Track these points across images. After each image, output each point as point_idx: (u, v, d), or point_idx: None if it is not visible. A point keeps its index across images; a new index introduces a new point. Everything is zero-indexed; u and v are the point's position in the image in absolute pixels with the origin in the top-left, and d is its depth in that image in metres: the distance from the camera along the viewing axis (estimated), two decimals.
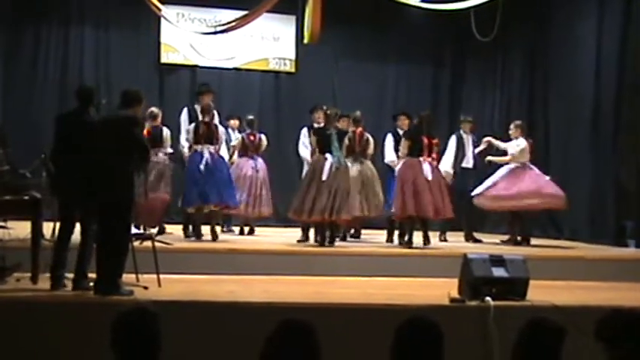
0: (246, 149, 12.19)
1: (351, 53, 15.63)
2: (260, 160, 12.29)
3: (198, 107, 11.34)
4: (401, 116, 12.20)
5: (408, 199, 10.65)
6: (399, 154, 11.19)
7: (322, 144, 10.66)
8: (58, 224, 7.53)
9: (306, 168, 11.49)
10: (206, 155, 10.64)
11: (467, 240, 12.20)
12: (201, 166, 10.57)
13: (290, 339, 3.50)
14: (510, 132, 12.13)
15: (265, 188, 12.16)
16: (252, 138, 12.25)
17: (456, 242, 11.95)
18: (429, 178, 10.72)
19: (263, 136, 12.50)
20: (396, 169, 11.15)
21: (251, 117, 12.50)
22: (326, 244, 10.41)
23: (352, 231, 11.97)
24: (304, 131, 12.06)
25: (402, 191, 10.72)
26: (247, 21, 12.29)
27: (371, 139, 11.77)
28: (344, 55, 15.68)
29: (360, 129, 11.62)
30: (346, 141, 11.03)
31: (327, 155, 10.56)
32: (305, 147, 11.87)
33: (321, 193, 10.37)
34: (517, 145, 11.89)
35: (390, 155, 11.90)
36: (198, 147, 10.74)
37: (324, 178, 10.41)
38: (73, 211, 7.37)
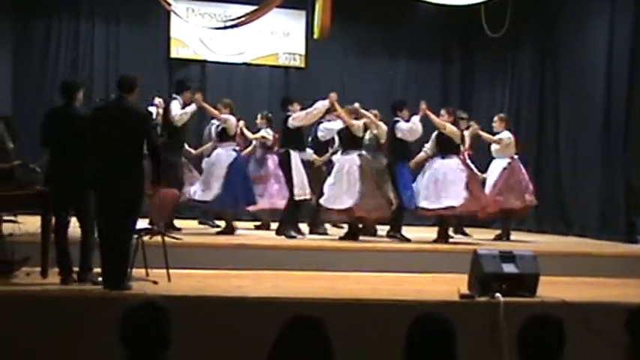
0: (273, 146, 12.17)
1: (360, 49, 15.62)
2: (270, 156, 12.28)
3: (180, 99, 11.13)
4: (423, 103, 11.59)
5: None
6: (429, 151, 11.33)
7: (356, 141, 10.84)
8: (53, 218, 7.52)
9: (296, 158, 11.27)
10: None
11: (456, 233, 12.10)
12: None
13: (300, 334, 3.49)
14: (494, 124, 12.08)
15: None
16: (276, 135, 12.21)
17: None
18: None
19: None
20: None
21: (270, 114, 12.40)
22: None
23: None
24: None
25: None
26: (257, 16, 12.29)
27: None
28: (353, 51, 15.68)
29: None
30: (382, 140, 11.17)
31: (362, 152, 10.77)
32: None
33: (372, 191, 10.59)
34: (508, 137, 11.89)
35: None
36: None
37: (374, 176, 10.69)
38: (66, 204, 7.41)
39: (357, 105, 11.06)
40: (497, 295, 7.06)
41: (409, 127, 11.08)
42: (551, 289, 7.53)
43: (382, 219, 11.08)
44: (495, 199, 11.53)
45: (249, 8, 12.54)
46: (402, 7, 13.79)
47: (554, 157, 14.04)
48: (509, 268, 7.42)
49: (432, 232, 11.29)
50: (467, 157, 11.70)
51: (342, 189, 10.57)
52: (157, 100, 11.09)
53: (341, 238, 10.72)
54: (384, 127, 11.18)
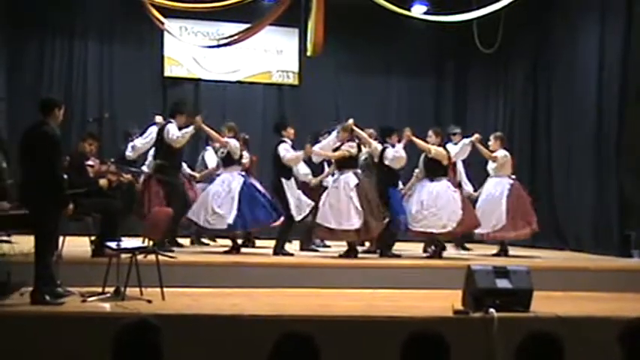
0: (249, 169, 11.94)
1: (354, 66, 15.68)
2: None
3: (175, 123, 10.98)
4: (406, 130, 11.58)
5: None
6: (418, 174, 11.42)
7: (353, 161, 10.82)
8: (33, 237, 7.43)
9: (289, 182, 11.26)
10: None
11: (457, 247, 12.19)
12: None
13: (291, 352, 3.52)
14: (490, 143, 12.01)
15: None
16: (254, 158, 12.21)
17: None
18: None
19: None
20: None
21: (247, 136, 12.24)
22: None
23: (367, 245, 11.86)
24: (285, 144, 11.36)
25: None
26: (250, 34, 12.34)
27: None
28: (347, 68, 15.73)
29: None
30: (376, 159, 11.21)
31: (357, 170, 10.75)
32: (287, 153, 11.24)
33: (372, 209, 10.55)
34: (504, 155, 11.88)
35: None
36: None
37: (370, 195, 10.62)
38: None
39: (351, 121, 11.04)
40: (492, 310, 7.05)
41: (393, 156, 11.10)
42: (546, 303, 7.54)
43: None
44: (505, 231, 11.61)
45: (243, 26, 12.57)
46: (395, 23, 13.83)
47: (548, 171, 14.09)
48: (502, 283, 7.41)
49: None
50: (453, 172, 11.68)
51: (340, 208, 10.56)
52: (158, 119, 11.13)
53: (341, 256, 10.67)
54: (379, 147, 11.20)
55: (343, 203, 10.52)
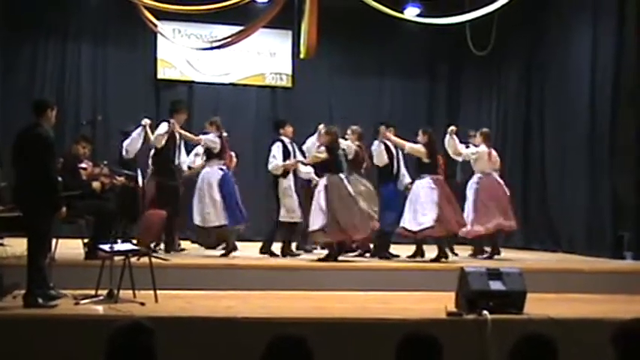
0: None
1: (347, 68, 15.68)
2: None
3: (165, 124, 11.00)
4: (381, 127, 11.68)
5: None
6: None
7: (335, 162, 10.67)
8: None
9: (285, 183, 11.33)
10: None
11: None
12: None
13: (283, 354, 3.53)
14: (475, 139, 12.02)
15: None
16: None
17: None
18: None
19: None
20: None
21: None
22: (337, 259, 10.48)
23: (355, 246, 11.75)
24: (278, 145, 11.48)
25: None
26: (243, 36, 12.31)
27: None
28: (340, 70, 15.73)
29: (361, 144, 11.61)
30: (350, 156, 11.05)
31: (341, 174, 10.59)
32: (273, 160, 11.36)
33: (351, 211, 10.40)
34: (476, 151, 11.85)
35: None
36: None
37: (352, 193, 10.50)
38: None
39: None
40: (485, 312, 7.06)
41: (374, 154, 11.34)
42: (539, 305, 7.55)
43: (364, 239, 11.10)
44: (475, 226, 11.52)
45: (236, 29, 12.54)
46: (389, 25, 13.82)
47: (541, 172, 14.11)
48: (496, 285, 7.43)
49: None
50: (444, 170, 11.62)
51: (311, 210, 10.57)
52: (145, 121, 11.08)
53: (320, 260, 10.59)
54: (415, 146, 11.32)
55: (313, 205, 10.54)
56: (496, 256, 11.58)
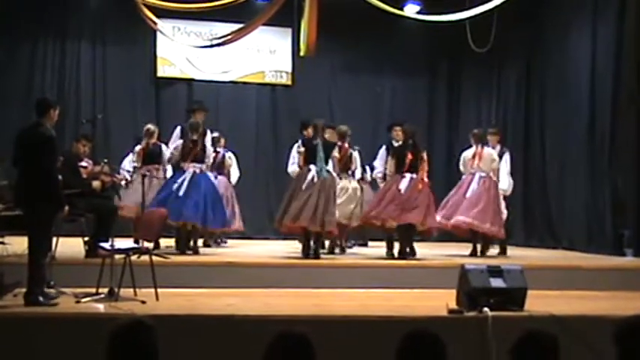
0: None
1: (347, 65, 15.68)
2: (220, 178, 11.97)
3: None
4: (395, 127, 11.74)
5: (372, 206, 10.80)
6: (387, 172, 11.11)
7: (308, 155, 10.52)
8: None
9: None
10: (187, 175, 10.57)
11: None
12: (176, 185, 10.49)
13: (286, 351, 3.52)
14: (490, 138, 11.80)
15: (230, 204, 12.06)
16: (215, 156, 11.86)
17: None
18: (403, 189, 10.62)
19: (228, 154, 12.37)
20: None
21: (216, 134, 12.05)
22: (310, 256, 10.28)
23: (339, 242, 11.68)
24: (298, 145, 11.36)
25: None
26: (243, 34, 12.32)
27: (355, 155, 11.67)
28: (340, 68, 15.74)
29: (346, 144, 11.49)
30: (335, 154, 10.97)
31: (311, 166, 10.42)
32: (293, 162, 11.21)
33: (306, 203, 10.22)
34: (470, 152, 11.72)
35: (380, 168, 11.63)
36: (185, 165, 10.67)
37: (303, 187, 10.30)
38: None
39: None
40: (486, 309, 7.05)
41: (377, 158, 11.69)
42: (540, 302, 7.54)
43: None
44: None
45: (236, 26, 12.56)
46: (388, 23, 13.83)
47: (541, 170, 14.11)
48: (496, 282, 7.42)
49: (428, 248, 11.40)
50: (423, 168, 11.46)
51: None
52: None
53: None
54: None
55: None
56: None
